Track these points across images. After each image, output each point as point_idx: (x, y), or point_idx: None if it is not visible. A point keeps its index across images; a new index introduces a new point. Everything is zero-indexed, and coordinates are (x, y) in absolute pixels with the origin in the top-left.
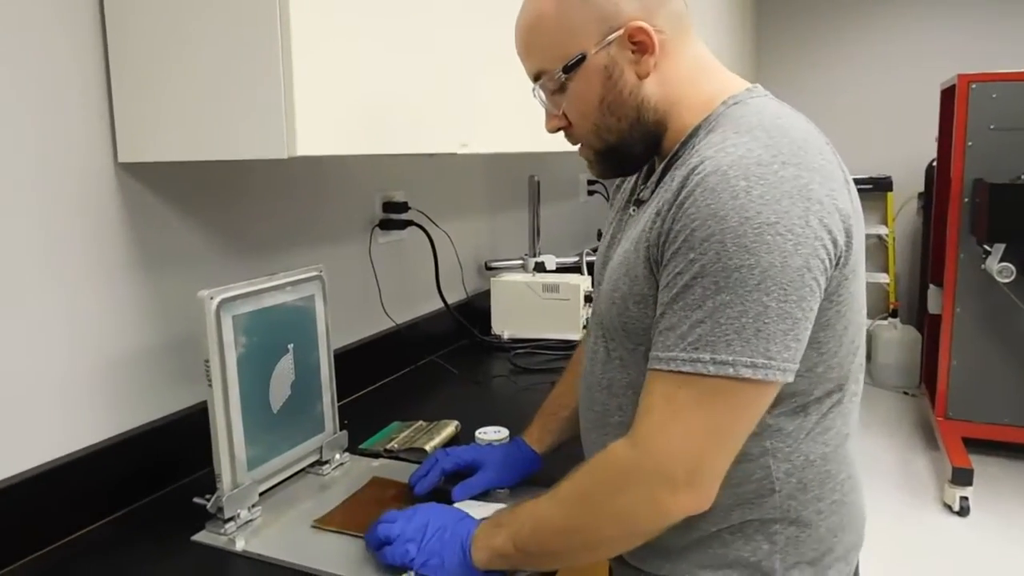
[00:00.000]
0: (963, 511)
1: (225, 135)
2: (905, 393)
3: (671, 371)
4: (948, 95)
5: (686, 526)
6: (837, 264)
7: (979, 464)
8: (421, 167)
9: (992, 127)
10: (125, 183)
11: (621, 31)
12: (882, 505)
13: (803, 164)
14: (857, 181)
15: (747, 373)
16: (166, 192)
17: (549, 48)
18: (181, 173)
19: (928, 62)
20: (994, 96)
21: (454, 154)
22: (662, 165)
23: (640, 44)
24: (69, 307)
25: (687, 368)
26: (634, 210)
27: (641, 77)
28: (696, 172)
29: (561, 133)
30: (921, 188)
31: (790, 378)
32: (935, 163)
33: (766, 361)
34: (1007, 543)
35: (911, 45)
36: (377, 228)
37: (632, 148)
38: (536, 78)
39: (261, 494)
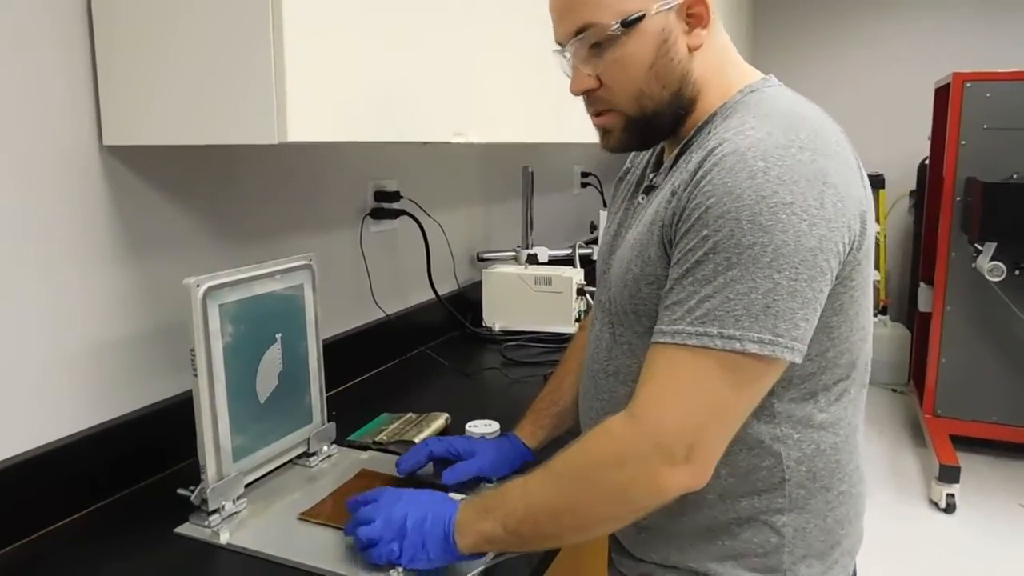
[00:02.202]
0: (949, 508)
1: (215, 119)
2: (894, 390)
3: (676, 344)
4: (942, 94)
5: (695, 514)
6: (851, 249)
7: (966, 461)
8: (414, 156)
9: (986, 126)
10: (111, 166)
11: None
12: (869, 501)
13: (819, 150)
14: None
15: (754, 348)
16: (153, 176)
17: (611, 2)
18: (169, 157)
19: (922, 60)
20: (988, 95)
21: (448, 143)
22: (676, 150)
23: (696, 16)
24: (51, 293)
25: (693, 341)
26: (643, 198)
27: (692, 49)
28: (714, 153)
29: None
30: (913, 186)
31: (798, 358)
32: (928, 161)
33: (774, 338)
34: (993, 540)
35: (906, 43)
36: (368, 217)
37: (663, 120)
38: (579, 31)
39: (247, 486)
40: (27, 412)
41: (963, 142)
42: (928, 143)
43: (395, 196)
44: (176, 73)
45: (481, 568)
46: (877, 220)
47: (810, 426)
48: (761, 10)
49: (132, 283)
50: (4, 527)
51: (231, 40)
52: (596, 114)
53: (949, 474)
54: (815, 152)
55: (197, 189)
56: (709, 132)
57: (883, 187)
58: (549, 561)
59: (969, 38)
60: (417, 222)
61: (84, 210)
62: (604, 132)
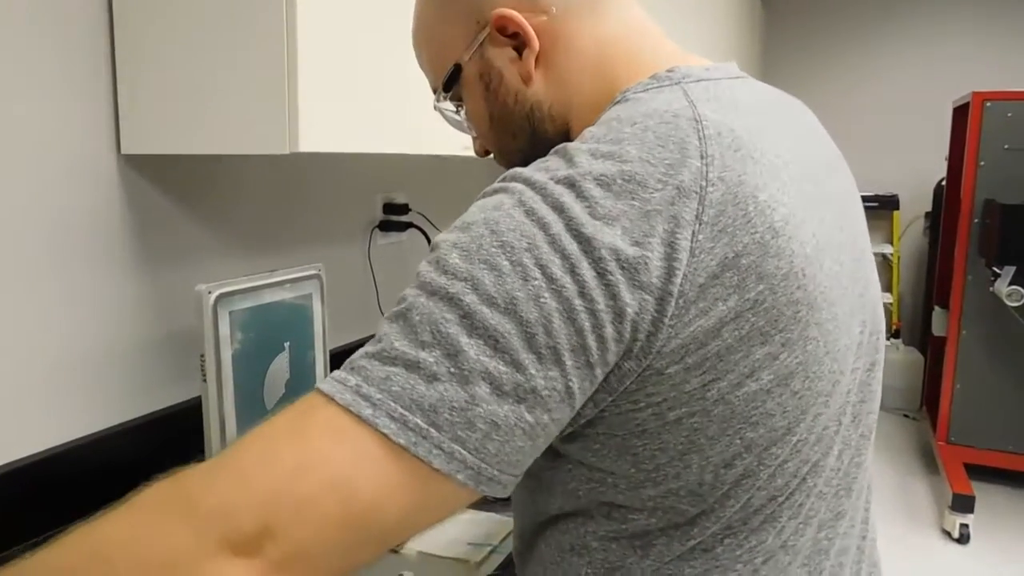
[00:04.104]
0: (963, 539)
1: (228, 129)
2: (905, 416)
3: (317, 388)
4: (961, 113)
5: None
6: (629, 350)
7: (981, 491)
8: (423, 169)
9: (1006, 147)
10: (127, 175)
11: (489, 27)
12: (878, 529)
13: (603, 198)
14: (863, 199)
15: (388, 427)
16: (168, 185)
17: (434, 60)
18: (184, 166)
19: (941, 79)
20: (1009, 115)
21: (456, 157)
22: None
23: (517, 37)
24: (65, 297)
25: (326, 386)
26: None
27: (525, 80)
28: None
29: None
30: (928, 207)
31: (468, 481)
32: (944, 182)
33: (425, 426)
34: (1008, 573)
35: (923, 61)
36: (377, 229)
37: None
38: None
39: None
40: (38, 415)
41: (982, 162)
42: (945, 163)
43: (404, 209)
44: (192, 84)
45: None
46: (890, 241)
47: None
48: (773, 26)
49: (144, 289)
50: (13, 527)
51: (245, 52)
52: None
53: (963, 503)
54: (608, 196)
55: (209, 198)
56: None
57: (897, 208)
58: None
59: (989, 56)
60: (425, 235)
61: (100, 217)
62: None
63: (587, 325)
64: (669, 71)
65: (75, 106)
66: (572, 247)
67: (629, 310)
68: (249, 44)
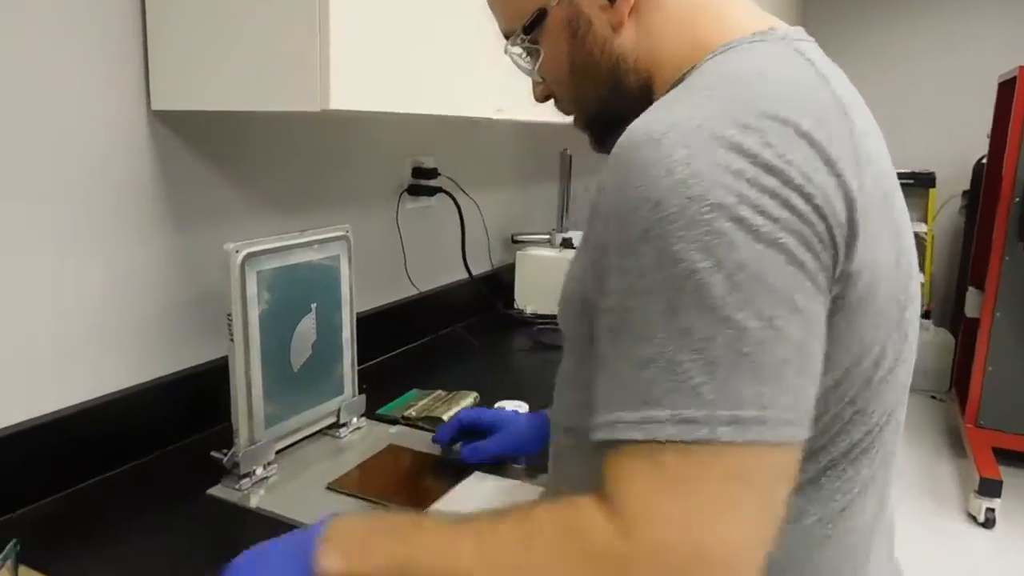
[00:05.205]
0: (988, 523)
1: (259, 85)
2: (933, 397)
3: (621, 440)
4: (1007, 88)
5: None
6: (834, 271)
7: (1008, 475)
8: (452, 133)
9: None
10: (157, 131)
11: None
12: (901, 510)
13: (772, 130)
14: (898, 175)
15: (727, 435)
16: (197, 142)
17: (510, 3)
18: (214, 123)
19: (986, 52)
20: None
21: (488, 121)
22: None
23: None
24: (94, 254)
25: (636, 434)
26: None
27: (615, 28)
28: (617, 147)
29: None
30: (966, 186)
31: (802, 434)
32: (985, 160)
33: (758, 412)
34: None
35: (968, 34)
36: (406, 193)
37: (624, 116)
38: (507, 38)
39: (277, 452)
40: (68, 371)
41: None
42: (987, 141)
43: (433, 173)
44: (223, 40)
45: None
46: (925, 220)
47: None
48: None
49: (173, 247)
50: (43, 480)
51: (277, 7)
52: (568, 115)
53: (990, 487)
54: (765, 132)
55: (239, 158)
56: None
57: (933, 186)
58: None
59: None
60: (454, 200)
61: (130, 173)
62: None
63: (818, 247)
64: (759, 33)
65: (104, 61)
66: (772, 183)
67: (837, 231)
68: None
